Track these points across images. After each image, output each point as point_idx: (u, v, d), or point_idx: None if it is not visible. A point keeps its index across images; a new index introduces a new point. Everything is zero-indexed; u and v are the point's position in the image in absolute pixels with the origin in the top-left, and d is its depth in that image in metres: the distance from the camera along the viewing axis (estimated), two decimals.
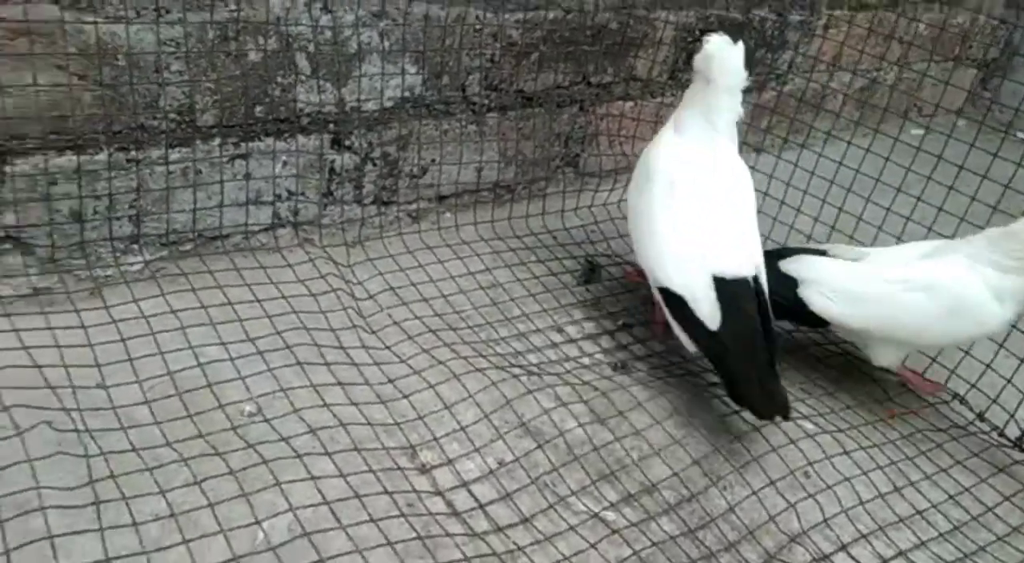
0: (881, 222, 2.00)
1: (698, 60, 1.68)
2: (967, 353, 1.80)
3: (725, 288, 1.54)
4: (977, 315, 1.61)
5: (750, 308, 1.54)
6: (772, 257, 1.74)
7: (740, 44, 1.65)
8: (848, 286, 1.67)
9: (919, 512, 1.52)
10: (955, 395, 1.81)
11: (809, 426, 1.64)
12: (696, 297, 1.54)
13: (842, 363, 1.87)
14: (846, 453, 1.60)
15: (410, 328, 1.65)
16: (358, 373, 1.52)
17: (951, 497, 1.57)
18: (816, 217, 2.08)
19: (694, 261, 1.56)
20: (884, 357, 1.72)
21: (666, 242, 1.60)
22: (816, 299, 1.68)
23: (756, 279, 1.58)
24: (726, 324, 1.52)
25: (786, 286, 1.70)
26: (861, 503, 1.50)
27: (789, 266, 1.73)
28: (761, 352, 1.52)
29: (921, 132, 2.09)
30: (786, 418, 1.53)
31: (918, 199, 1.93)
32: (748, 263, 1.59)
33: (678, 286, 1.57)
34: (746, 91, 1.70)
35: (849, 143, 2.06)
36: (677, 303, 1.57)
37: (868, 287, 1.66)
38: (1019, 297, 1.59)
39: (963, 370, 1.79)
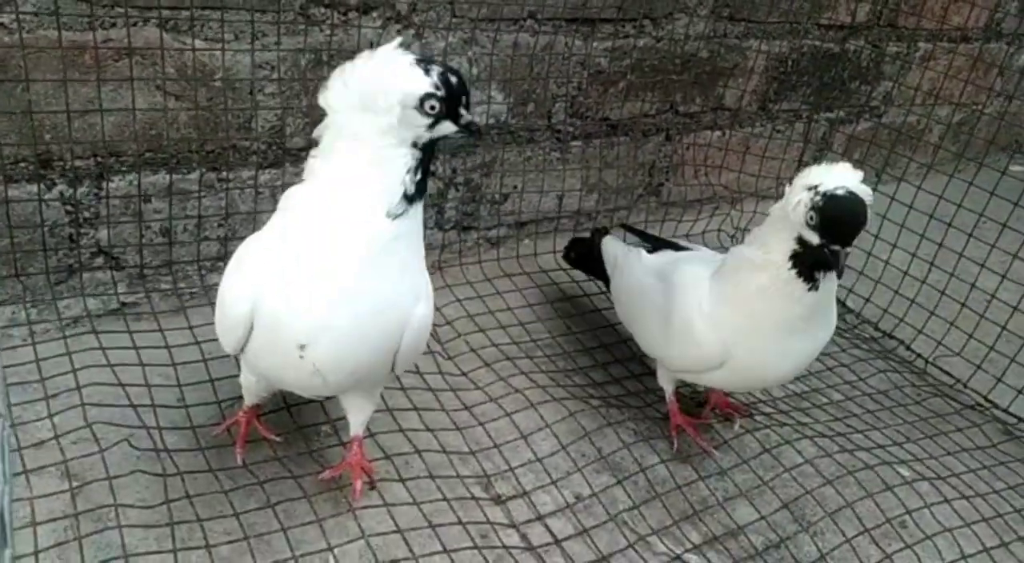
0: (985, 258, 1.89)
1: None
2: None
3: None
4: (685, 339, 1.37)
5: None
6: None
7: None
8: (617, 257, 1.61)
9: None
10: None
11: (906, 472, 1.55)
12: None
13: (941, 406, 1.77)
14: (947, 501, 1.50)
15: (487, 355, 1.63)
16: (434, 398, 1.49)
17: None
18: (913, 252, 1.98)
19: None
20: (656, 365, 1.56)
21: None
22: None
23: None
24: None
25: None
26: (963, 557, 1.40)
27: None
28: None
29: (1022, 168, 1.99)
30: None
31: None
32: None
33: None
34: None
35: (951, 176, 1.96)
36: None
37: (633, 269, 1.55)
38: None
39: None
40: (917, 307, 1.94)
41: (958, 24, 2.41)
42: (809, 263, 1.23)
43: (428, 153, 1.06)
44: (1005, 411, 1.78)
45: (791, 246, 1.23)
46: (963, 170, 2.03)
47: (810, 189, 1.20)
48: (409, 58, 1.02)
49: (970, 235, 1.90)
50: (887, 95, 2.48)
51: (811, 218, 1.18)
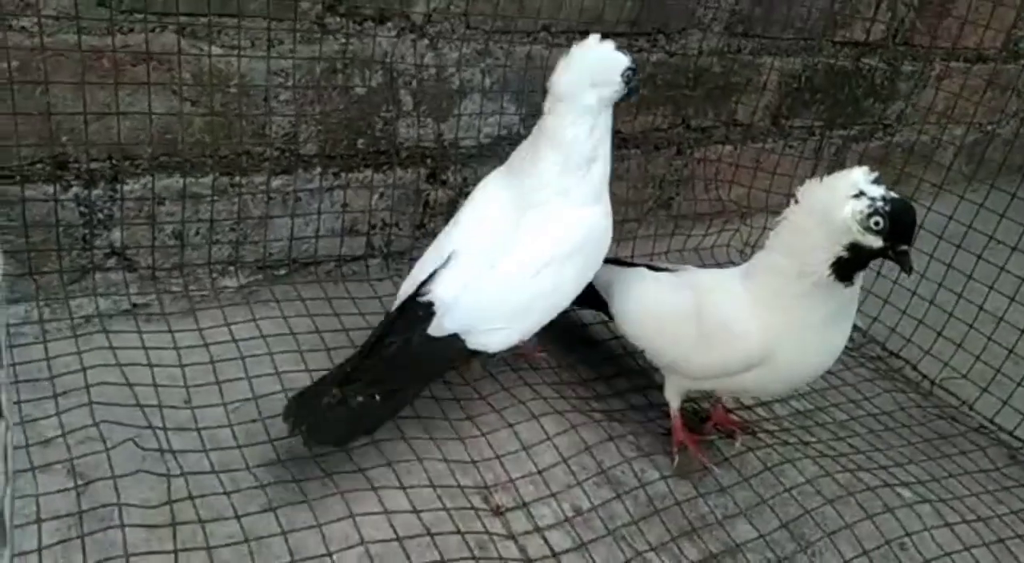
0: (993, 281, 1.88)
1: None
2: None
3: None
4: (724, 338, 1.38)
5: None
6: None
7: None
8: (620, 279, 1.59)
9: None
10: None
11: (908, 494, 1.55)
12: None
13: (945, 428, 1.77)
14: (948, 525, 1.49)
15: (491, 366, 1.63)
16: (437, 407, 1.50)
17: None
18: (922, 273, 1.98)
19: None
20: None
21: None
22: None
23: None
24: None
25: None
26: None
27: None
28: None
29: None
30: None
31: None
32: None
33: None
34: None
35: (961, 197, 1.96)
36: None
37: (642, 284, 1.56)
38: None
39: None
40: (924, 328, 1.94)
41: (974, 43, 2.41)
42: (853, 266, 1.26)
43: None
44: (1011, 434, 1.77)
45: (835, 253, 1.25)
46: (975, 190, 2.03)
47: (857, 196, 1.22)
48: None
49: (979, 257, 1.90)
50: (901, 113, 2.48)
51: (876, 223, 1.21)
